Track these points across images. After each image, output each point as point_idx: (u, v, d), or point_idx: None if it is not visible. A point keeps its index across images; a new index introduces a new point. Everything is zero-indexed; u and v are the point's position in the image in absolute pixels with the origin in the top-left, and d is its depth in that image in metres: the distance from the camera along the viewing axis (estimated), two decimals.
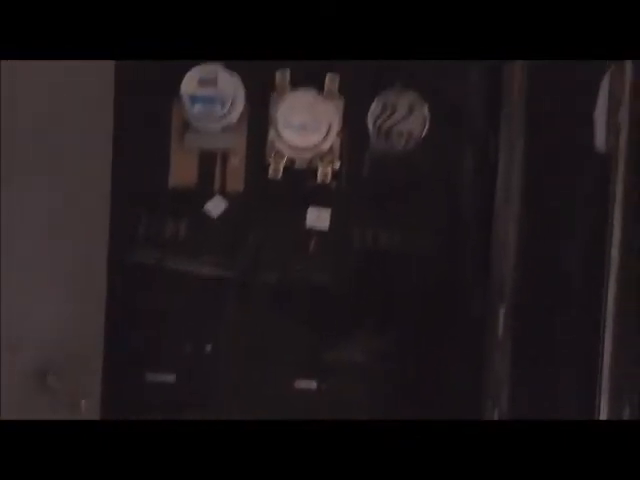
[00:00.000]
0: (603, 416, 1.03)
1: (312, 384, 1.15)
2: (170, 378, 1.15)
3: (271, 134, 1.14)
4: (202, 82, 1.13)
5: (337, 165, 1.15)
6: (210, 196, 1.16)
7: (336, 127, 1.14)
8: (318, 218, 1.16)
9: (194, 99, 1.13)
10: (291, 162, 1.15)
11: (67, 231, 1.04)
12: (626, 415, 1.02)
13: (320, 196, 1.15)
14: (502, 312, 1.13)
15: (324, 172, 1.14)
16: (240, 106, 1.14)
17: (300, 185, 1.16)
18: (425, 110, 1.15)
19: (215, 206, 1.17)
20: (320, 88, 1.14)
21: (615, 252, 1.03)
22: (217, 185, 1.17)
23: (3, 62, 0.98)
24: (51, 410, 1.01)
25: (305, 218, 1.15)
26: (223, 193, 1.17)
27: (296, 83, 1.14)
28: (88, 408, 1.03)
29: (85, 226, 1.05)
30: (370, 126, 1.16)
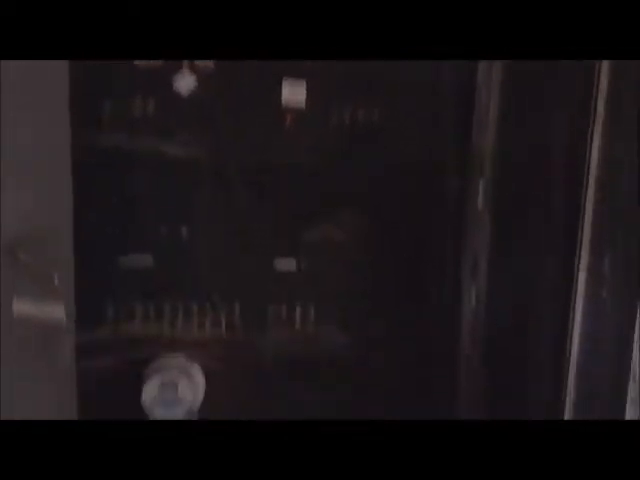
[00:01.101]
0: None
1: (292, 264, 1.14)
2: (147, 261, 1.13)
3: None
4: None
5: None
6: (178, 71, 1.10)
7: None
8: (293, 92, 1.10)
9: None
10: None
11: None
12: None
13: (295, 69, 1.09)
14: (481, 184, 1.13)
15: None
16: None
17: None
18: None
19: (184, 82, 1.11)
20: None
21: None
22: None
23: None
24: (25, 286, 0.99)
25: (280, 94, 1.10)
26: (192, 68, 1.10)
27: None
28: (62, 282, 1.01)
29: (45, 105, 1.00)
30: None
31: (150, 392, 1.10)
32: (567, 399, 1.07)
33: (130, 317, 1.13)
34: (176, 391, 1.10)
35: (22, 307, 0.96)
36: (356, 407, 1.15)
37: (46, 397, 0.98)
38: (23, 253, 0.99)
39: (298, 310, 1.15)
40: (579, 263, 1.04)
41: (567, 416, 1.07)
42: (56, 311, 0.96)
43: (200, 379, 1.14)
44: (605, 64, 1.00)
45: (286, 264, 1.14)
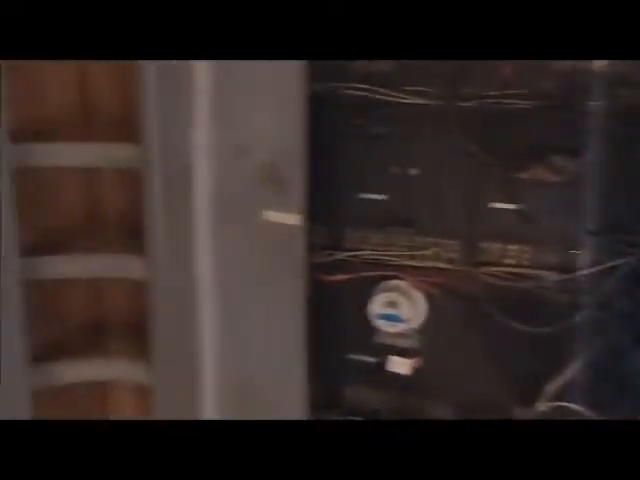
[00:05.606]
0: None
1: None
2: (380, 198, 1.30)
3: None
4: None
5: None
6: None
7: None
8: None
9: None
10: None
11: None
12: None
13: None
14: None
15: None
16: None
17: None
18: None
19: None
20: None
21: None
22: None
23: None
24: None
25: None
26: None
27: None
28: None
29: None
30: None
31: (375, 307, 1.29)
32: None
33: (364, 245, 1.32)
34: (397, 309, 1.27)
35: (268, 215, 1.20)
36: None
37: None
38: (274, 171, 1.21)
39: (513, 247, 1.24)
40: None
41: None
42: (293, 218, 1.20)
43: (422, 303, 1.29)
44: None
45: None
